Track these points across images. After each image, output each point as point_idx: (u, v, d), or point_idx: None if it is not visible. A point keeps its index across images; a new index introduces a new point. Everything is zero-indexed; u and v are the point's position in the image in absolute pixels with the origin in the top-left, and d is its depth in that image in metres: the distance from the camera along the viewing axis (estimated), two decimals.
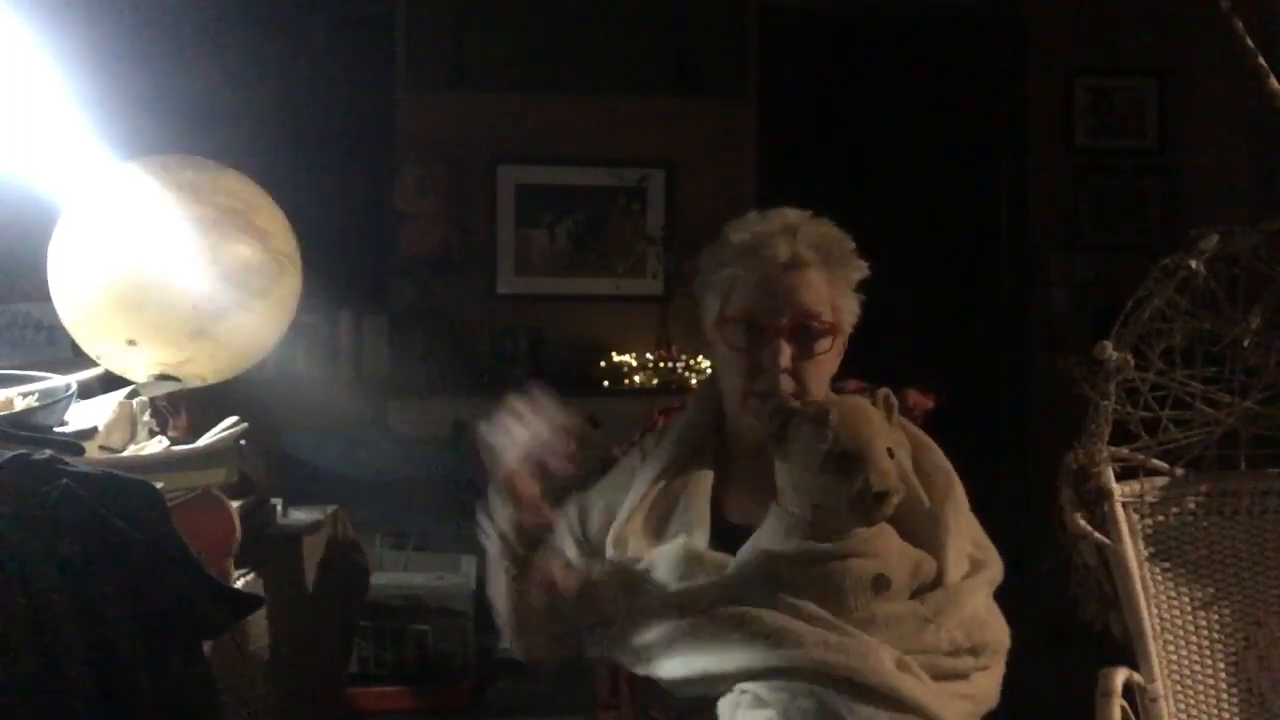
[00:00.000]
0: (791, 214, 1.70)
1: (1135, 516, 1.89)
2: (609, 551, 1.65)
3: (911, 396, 1.91)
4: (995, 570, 1.65)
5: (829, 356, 1.68)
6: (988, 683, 1.57)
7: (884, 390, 1.64)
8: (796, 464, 1.53)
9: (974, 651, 1.55)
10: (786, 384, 1.63)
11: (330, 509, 2.22)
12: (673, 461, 1.70)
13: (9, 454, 1.31)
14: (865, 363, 1.78)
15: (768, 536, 1.56)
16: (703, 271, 1.73)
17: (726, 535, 1.63)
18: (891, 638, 1.48)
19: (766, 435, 1.58)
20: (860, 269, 1.70)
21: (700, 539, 1.61)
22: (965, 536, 1.64)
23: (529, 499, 1.60)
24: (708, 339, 1.75)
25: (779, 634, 1.46)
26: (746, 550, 1.56)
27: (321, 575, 2.13)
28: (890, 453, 1.52)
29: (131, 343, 1.90)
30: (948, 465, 1.72)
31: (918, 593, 1.55)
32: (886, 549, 1.53)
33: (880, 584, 1.50)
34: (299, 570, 2.00)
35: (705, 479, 1.68)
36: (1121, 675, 1.77)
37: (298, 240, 2.06)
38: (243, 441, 1.84)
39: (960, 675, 1.53)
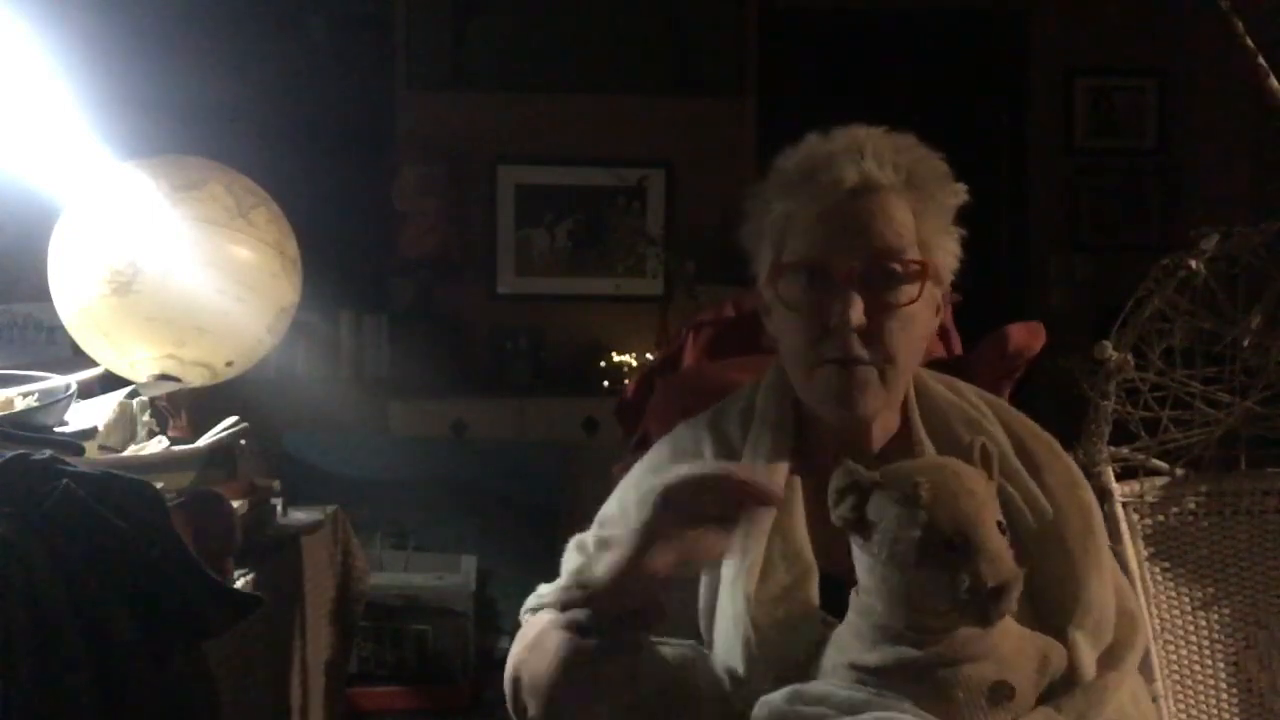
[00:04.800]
0: (860, 130, 1.30)
1: (1135, 516, 1.88)
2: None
3: (1016, 335, 1.57)
4: (1142, 641, 1.30)
5: (920, 310, 1.27)
6: None
7: (980, 440, 1.22)
8: (881, 558, 1.16)
9: None
10: (859, 348, 1.24)
11: (330, 509, 2.22)
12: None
13: (9, 454, 1.31)
14: None
15: (851, 641, 1.19)
16: (750, 217, 1.34)
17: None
18: None
19: (836, 519, 1.18)
20: (957, 193, 1.31)
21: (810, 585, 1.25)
22: (1108, 594, 1.26)
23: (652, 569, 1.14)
24: (764, 302, 1.36)
25: None
26: (829, 660, 1.20)
27: (321, 575, 2.13)
28: (1001, 528, 1.16)
29: (229, 364, 1.95)
30: (1085, 491, 1.32)
31: (1050, 692, 1.19)
32: (1003, 644, 1.17)
33: (1000, 693, 1.16)
34: (299, 570, 2.00)
35: (794, 502, 1.29)
36: None
37: (298, 240, 2.06)
38: (243, 441, 1.84)
39: None
